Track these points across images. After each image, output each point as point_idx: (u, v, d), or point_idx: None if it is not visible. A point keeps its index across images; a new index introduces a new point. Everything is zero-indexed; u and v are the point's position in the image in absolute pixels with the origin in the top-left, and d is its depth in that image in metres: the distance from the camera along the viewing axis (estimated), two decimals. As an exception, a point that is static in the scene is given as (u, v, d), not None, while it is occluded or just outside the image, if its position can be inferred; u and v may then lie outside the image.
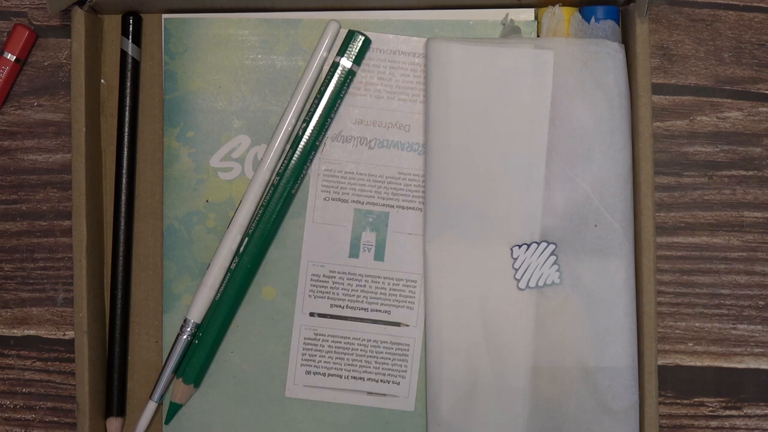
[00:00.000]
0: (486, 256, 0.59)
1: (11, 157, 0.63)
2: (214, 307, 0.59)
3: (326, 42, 0.60)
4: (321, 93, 0.59)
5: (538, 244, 0.59)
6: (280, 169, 0.59)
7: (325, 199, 0.60)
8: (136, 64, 0.61)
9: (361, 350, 0.60)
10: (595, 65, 0.58)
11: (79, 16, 0.58)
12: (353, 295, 0.60)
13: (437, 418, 0.59)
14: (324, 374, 0.60)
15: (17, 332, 0.63)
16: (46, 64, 0.63)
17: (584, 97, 0.58)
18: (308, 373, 0.60)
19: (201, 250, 0.61)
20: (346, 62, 0.59)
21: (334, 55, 0.60)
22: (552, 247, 0.59)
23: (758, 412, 0.62)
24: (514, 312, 0.59)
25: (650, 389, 0.58)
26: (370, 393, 0.60)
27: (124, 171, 0.61)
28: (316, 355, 0.60)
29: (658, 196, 0.62)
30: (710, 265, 0.63)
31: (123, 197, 0.61)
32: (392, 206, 0.60)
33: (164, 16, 0.61)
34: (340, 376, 0.60)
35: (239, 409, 0.60)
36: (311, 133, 0.59)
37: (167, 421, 0.60)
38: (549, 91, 0.58)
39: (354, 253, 0.60)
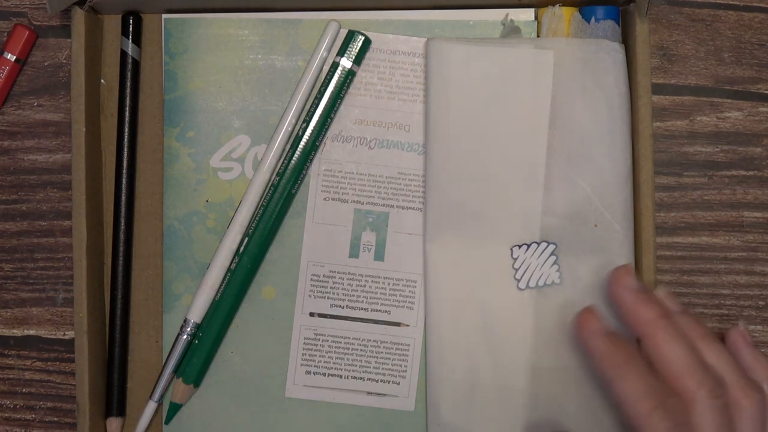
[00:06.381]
0: (486, 256, 0.59)
1: (11, 157, 0.63)
2: (214, 307, 0.59)
3: (326, 42, 0.60)
4: (321, 93, 0.59)
5: (538, 244, 0.59)
6: (280, 169, 0.59)
7: (325, 199, 0.60)
8: (136, 64, 0.61)
9: (361, 350, 0.60)
10: (595, 65, 0.58)
11: (79, 16, 0.58)
12: (353, 295, 0.60)
13: (437, 418, 0.59)
14: (324, 374, 0.60)
15: (17, 332, 0.63)
16: (46, 64, 0.63)
17: (584, 97, 0.58)
18: (308, 373, 0.60)
19: (201, 250, 0.61)
20: (346, 62, 0.59)
21: (334, 55, 0.60)
22: (552, 247, 0.59)
23: (758, 412, 0.62)
24: (514, 312, 0.59)
25: (650, 389, 0.58)
26: (370, 393, 0.60)
27: (124, 171, 0.61)
28: (316, 355, 0.60)
29: (658, 196, 0.62)
30: (710, 265, 0.63)
31: (123, 197, 0.61)
32: (392, 206, 0.60)
33: (164, 16, 0.61)
34: (340, 376, 0.60)
35: (239, 409, 0.60)
36: (311, 133, 0.59)
37: (167, 421, 0.60)
38: (549, 91, 0.58)
39: (354, 253, 0.60)
